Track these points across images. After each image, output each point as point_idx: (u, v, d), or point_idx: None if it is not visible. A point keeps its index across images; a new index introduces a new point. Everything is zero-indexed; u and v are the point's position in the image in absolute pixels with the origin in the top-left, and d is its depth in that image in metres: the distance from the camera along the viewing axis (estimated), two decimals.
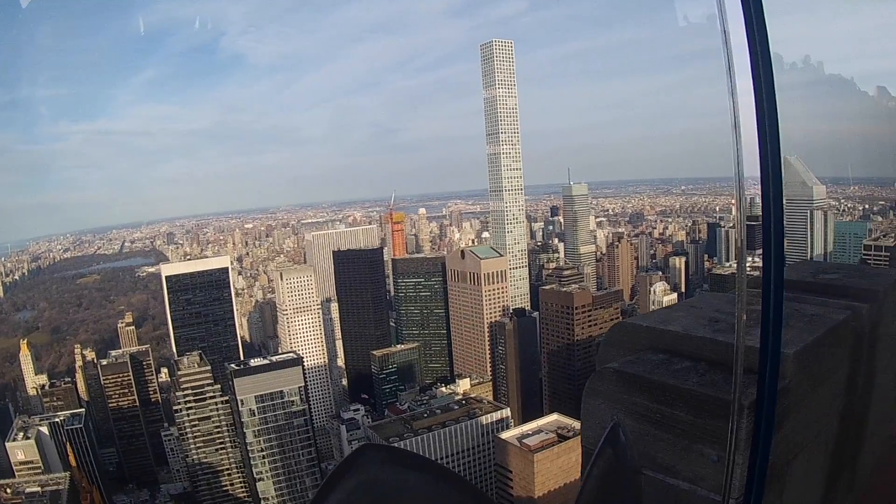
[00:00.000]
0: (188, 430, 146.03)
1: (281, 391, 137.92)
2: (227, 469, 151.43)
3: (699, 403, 4.48)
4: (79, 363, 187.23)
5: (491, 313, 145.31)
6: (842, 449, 5.45)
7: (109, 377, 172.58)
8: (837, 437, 5.34)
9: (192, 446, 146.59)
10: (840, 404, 5.31)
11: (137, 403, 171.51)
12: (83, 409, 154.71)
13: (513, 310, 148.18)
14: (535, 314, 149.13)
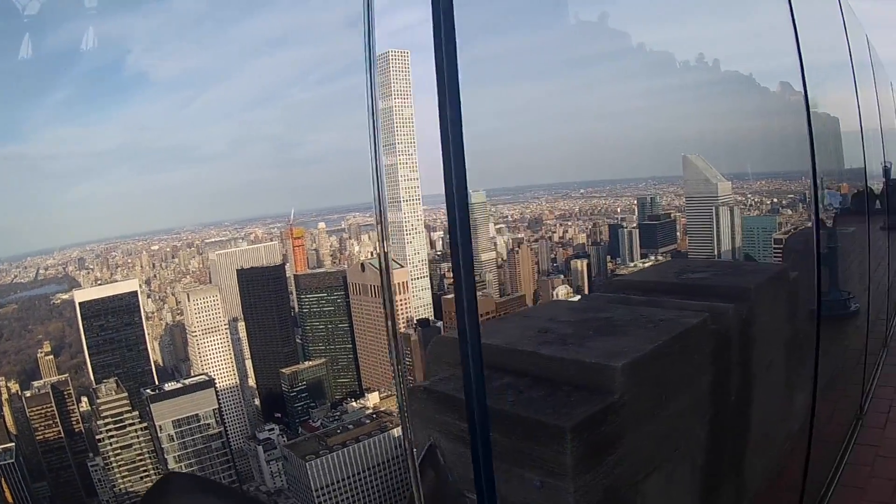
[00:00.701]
0: (112, 459, 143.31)
1: (196, 414, 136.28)
2: None
3: (514, 424, 3.92)
4: (4, 396, 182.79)
5: (396, 324, 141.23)
6: (717, 460, 5.09)
7: (34, 409, 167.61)
8: (709, 448, 4.93)
9: (118, 475, 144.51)
10: (706, 413, 4.89)
11: (62, 435, 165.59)
12: (13, 444, 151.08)
13: (417, 321, 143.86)
14: (440, 324, 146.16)
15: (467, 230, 3.01)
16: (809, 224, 7.12)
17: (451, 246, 3.02)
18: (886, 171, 14.54)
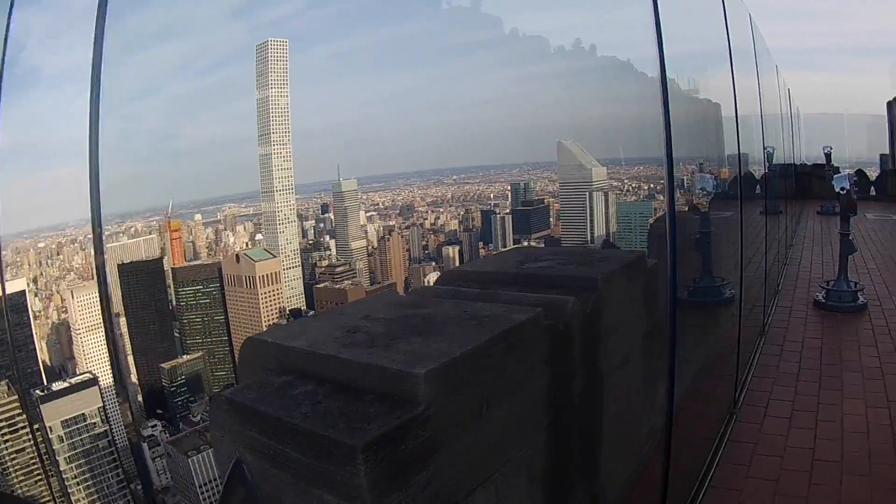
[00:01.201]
0: (8, 464, 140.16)
1: (83, 414, 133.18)
2: (49, 501, 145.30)
3: (307, 440, 3.20)
4: None
5: (268, 316, 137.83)
6: (563, 468, 4.53)
7: None
8: (551, 456, 4.30)
9: (15, 480, 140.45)
10: (544, 418, 4.23)
11: None
12: None
13: (289, 311, 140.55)
14: (311, 313, 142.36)
15: None
16: (686, 209, 7.01)
17: None
18: (769, 157, 14.99)
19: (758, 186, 13.31)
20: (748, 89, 10.32)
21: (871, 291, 13.56)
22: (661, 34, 5.74)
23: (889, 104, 41.54)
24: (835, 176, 13.00)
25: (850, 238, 12.82)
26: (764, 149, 14.35)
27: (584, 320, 4.52)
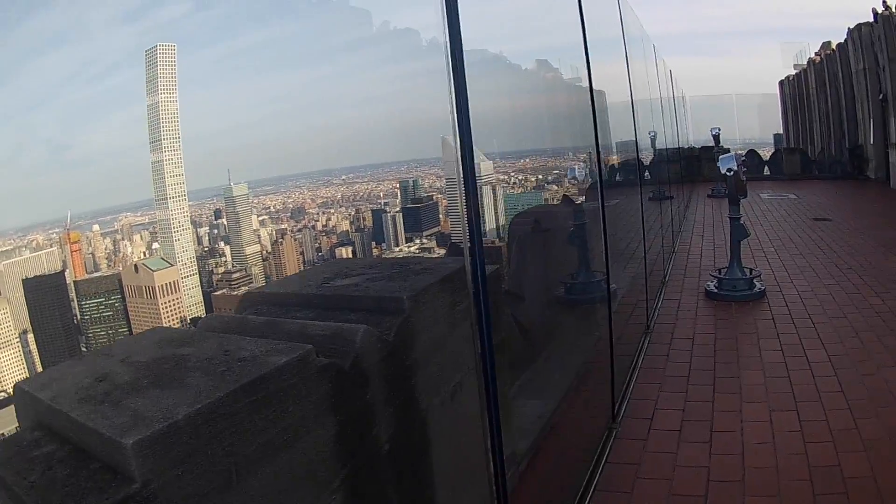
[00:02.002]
0: None
1: (1, 433, 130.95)
2: None
3: None
4: None
5: (170, 325, 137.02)
6: None
7: None
8: None
9: None
10: (334, 476, 3.44)
11: None
12: None
13: (190, 319, 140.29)
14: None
15: None
16: (580, 202, 7.09)
17: None
18: (652, 141, 15.40)
19: (643, 172, 13.23)
20: (620, 76, 10.68)
21: (770, 277, 13.28)
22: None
23: (781, 83, 42.52)
24: (720, 157, 12.46)
25: (742, 221, 12.38)
26: (649, 133, 14.72)
27: (386, 350, 3.82)
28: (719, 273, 12.46)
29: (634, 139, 11.66)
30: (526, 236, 7.71)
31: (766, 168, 34.65)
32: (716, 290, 12.11)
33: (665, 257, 15.05)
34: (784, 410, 7.35)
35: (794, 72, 41.07)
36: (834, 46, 34.02)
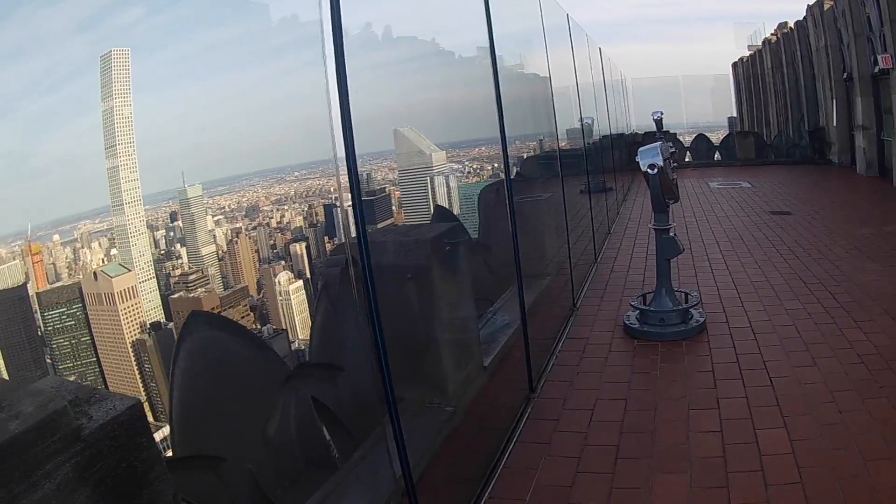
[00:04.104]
0: None
1: None
2: None
3: None
4: None
5: (131, 332, 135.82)
6: None
7: None
8: None
9: None
10: None
11: None
12: None
13: (150, 324, 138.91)
14: (171, 325, 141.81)
15: None
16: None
17: None
18: (588, 128, 14.18)
19: (562, 164, 11.11)
20: (540, 65, 9.98)
21: (714, 297, 10.31)
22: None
23: (734, 65, 42.61)
24: (640, 149, 8.95)
25: (672, 235, 9.05)
26: (581, 120, 13.47)
27: None
28: (644, 300, 9.43)
29: (554, 128, 10.30)
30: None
31: (717, 153, 34.05)
32: (636, 325, 8.98)
33: (583, 272, 12.02)
34: None
35: (748, 53, 41.06)
36: (792, 25, 33.77)
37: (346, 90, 4.00)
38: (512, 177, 7.60)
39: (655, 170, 8.63)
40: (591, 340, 8.92)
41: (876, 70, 22.06)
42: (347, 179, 4.15)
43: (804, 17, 30.49)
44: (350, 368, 5.79)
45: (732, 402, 6.74)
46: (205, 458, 4.04)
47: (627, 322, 9.06)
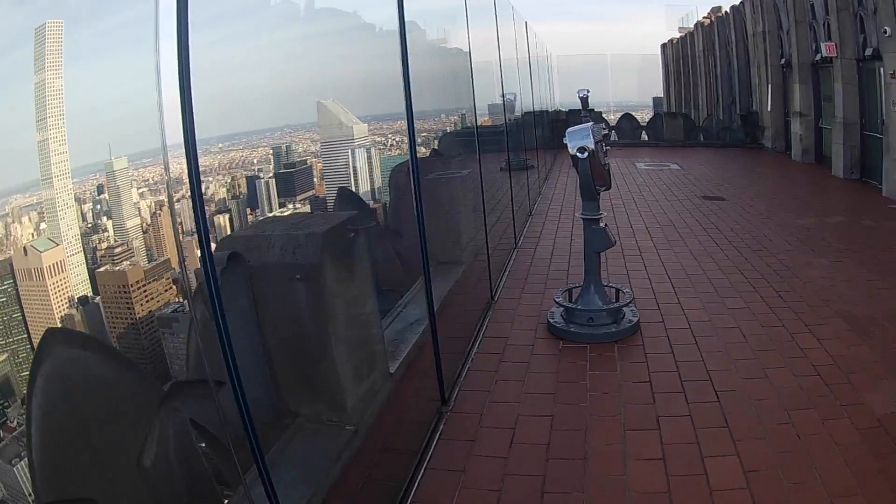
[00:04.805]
0: None
1: None
2: None
3: None
4: None
5: (60, 307, 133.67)
6: None
7: None
8: None
9: None
10: None
11: None
12: None
13: (77, 298, 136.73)
14: (98, 299, 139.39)
15: None
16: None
17: None
18: (510, 104, 13.71)
19: (496, 139, 11.55)
20: (462, 40, 9.69)
21: (646, 291, 9.78)
22: None
23: (664, 46, 43.16)
24: (567, 131, 8.09)
25: (603, 226, 8.36)
26: (503, 95, 12.96)
27: None
28: (569, 296, 8.77)
29: (472, 102, 9.87)
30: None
31: (644, 133, 34.23)
32: (561, 324, 8.38)
33: (502, 259, 11.33)
34: None
35: (678, 35, 41.45)
36: (727, 10, 34.08)
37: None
38: (430, 152, 7.78)
39: (586, 154, 7.95)
40: (511, 340, 8.36)
41: (818, 58, 22.37)
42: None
43: (741, 2, 30.80)
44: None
45: (675, 421, 6.15)
46: (72, 502, 3.69)
47: (552, 320, 8.51)
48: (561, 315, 8.47)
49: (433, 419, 6.35)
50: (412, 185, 6.37)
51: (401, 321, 6.96)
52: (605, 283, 8.70)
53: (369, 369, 5.74)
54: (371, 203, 7.01)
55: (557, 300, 8.63)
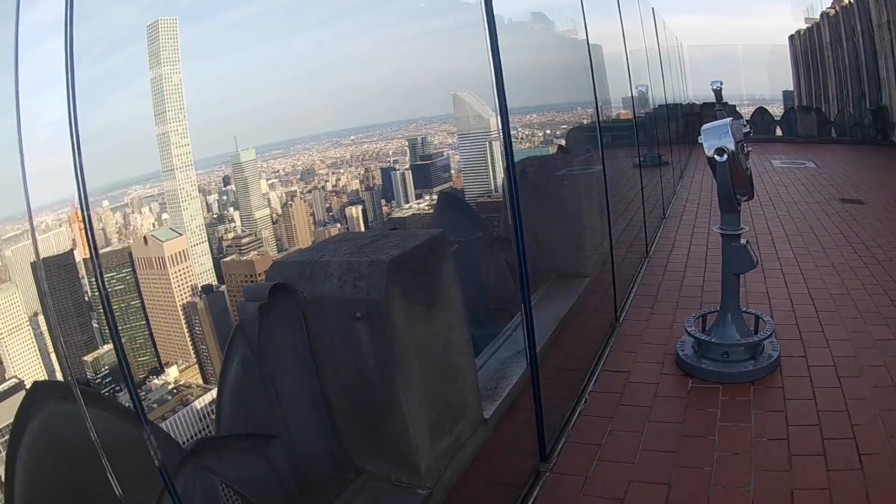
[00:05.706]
0: None
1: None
2: None
3: None
4: None
5: (181, 295, 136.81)
6: None
7: None
8: None
9: None
10: None
11: None
12: None
13: (201, 287, 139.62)
14: (223, 288, 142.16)
15: None
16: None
17: None
18: (642, 97, 12.87)
19: (627, 134, 10.75)
20: (614, 31, 9.35)
21: (789, 319, 7.71)
22: None
23: (791, 38, 41.76)
24: (703, 128, 6.41)
25: (744, 243, 6.53)
26: (637, 88, 12.06)
27: None
28: (702, 322, 7.10)
29: (593, 96, 8.60)
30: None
31: (778, 129, 32.95)
32: (692, 358, 6.74)
33: (630, 271, 9.81)
34: None
35: (805, 26, 40.21)
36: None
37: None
38: (556, 150, 7.04)
39: (725, 156, 6.19)
40: (633, 376, 6.71)
41: None
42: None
43: None
44: (295, 432, 4.53)
45: (810, 498, 4.47)
46: None
47: (681, 352, 6.82)
48: (692, 347, 6.84)
49: (528, 480, 5.00)
50: (509, 188, 4.98)
51: (510, 346, 6.26)
52: (744, 309, 6.96)
53: (453, 421, 4.98)
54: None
55: (689, 329, 6.91)
